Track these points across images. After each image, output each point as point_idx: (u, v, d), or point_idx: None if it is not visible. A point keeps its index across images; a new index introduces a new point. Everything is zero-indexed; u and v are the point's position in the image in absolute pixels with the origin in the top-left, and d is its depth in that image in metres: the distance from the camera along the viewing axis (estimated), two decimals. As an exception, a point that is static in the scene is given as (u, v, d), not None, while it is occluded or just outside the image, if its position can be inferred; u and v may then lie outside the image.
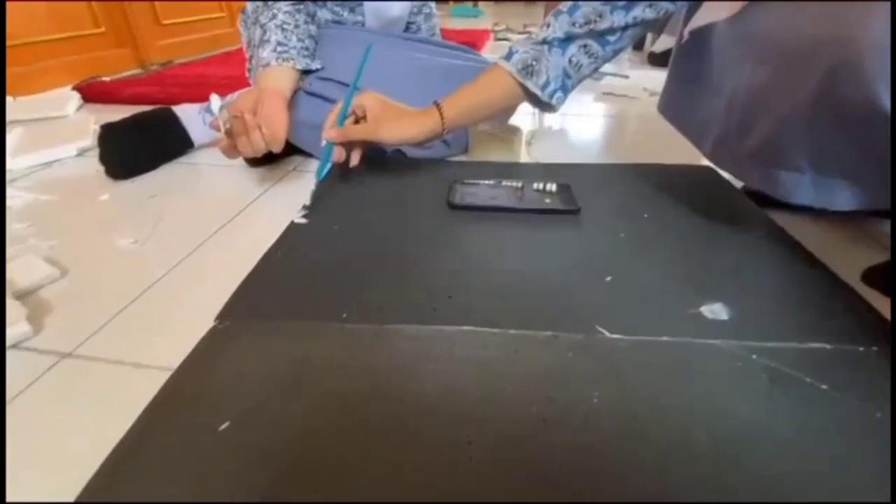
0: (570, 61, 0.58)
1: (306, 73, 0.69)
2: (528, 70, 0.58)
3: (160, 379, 0.34)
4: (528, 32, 2.18)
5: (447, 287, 0.44)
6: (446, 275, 0.46)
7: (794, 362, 0.35)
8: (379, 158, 0.72)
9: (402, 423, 0.31)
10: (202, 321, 0.39)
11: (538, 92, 0.58)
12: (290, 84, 0.64)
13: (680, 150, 0.88)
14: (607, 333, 0.38)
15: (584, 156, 0.83)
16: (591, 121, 1.04)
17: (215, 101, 0.51)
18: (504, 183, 0.63)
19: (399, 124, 0.58)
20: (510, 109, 0.61)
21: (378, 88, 0.61)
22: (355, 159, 0.61)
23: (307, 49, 0.68)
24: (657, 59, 1.54)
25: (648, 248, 0.50)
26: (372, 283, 0.44)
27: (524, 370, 0.35)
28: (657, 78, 1.32)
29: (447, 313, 0.40)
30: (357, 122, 0.61)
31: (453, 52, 0.83)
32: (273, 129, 0.55)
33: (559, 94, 0.60)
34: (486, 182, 0.63)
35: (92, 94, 1.14)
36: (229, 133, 0.54)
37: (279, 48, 0.64)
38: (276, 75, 0.63)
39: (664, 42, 1.53)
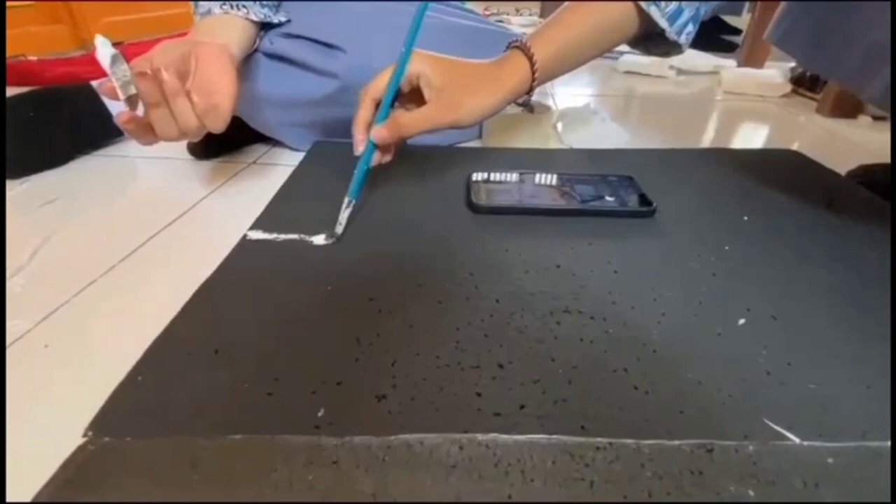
0: None
1: (266, 28, 0.51)
2: None
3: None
4: (523, 14, 2.02)
5: (493, 349, 0.26)
6: (487, 326, 0.28)
7: None
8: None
9: None
10: (65, 433, 0.21)
11: (665, 25, 0.40)
12: (239, 40, 0.44)
13: (731, 130, 0.75)
14: (796, 439, 0.21)
15: (627, 140, 0.66)
16: (619, 102, 0.88)
17: (102, 44, 0.31)
18: (540, 175, 0.46)
19: (477, 97, 0.38)
20: (611, 48, 0.42)
21: (383, 54, 0.40)
22: (389, 155, 0.41)
23: (267, -4, 0.49)
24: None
25: (773, 270, 0.34)
26: (368, 344, 0.27)
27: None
28: (681, 56, 1.18)
29: (505, 403, 0.23)
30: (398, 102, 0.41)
31: (468, 14, 0.65)
32: (212, 97, 0.36)
33: (690, 27, 0.43)
34: (516, 175, 0.46)
35: (11, 75, 0.93)
36: (135, 103, 0.35)
37: (226, -8, 0.46)
38: (219, 26, 0.43)
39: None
